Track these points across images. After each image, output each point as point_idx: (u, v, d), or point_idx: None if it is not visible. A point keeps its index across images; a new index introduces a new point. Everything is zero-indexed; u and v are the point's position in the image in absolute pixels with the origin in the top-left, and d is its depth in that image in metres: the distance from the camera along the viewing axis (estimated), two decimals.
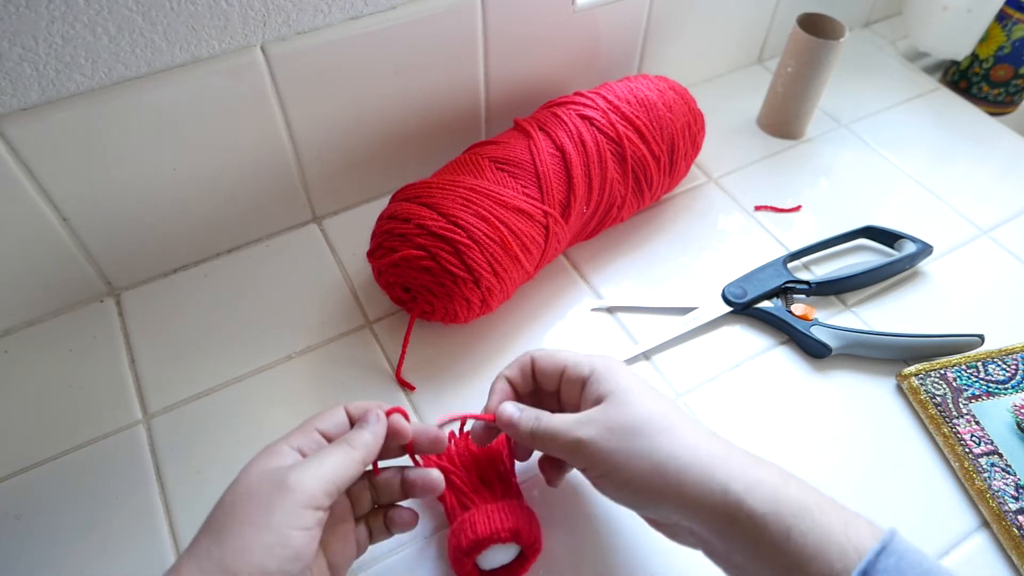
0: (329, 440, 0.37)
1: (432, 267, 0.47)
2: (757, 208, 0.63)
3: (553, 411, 0.41)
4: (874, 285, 0.57)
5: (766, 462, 0.35)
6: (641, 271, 0.58)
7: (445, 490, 0.42)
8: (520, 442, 0.40)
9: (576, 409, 0.39)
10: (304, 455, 0.35)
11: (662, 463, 0.34)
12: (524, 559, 0.40)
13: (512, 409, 0.40)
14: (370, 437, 0.37)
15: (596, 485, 0.38)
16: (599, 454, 0.36)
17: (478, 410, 0.48)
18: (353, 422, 0.38)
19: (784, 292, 0.56)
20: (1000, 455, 0.46)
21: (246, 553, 0.30)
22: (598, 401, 0.38)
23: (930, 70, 0.81)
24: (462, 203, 0.48)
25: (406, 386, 0.50)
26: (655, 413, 0.36)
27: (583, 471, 0.38)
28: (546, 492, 0.45)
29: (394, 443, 0.39)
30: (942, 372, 0.50)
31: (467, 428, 0.44)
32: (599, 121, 0.54)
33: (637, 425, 0.35)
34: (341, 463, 0.34)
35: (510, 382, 0.42)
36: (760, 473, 0.34)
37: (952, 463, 0.47)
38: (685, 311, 0.55)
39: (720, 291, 0.56)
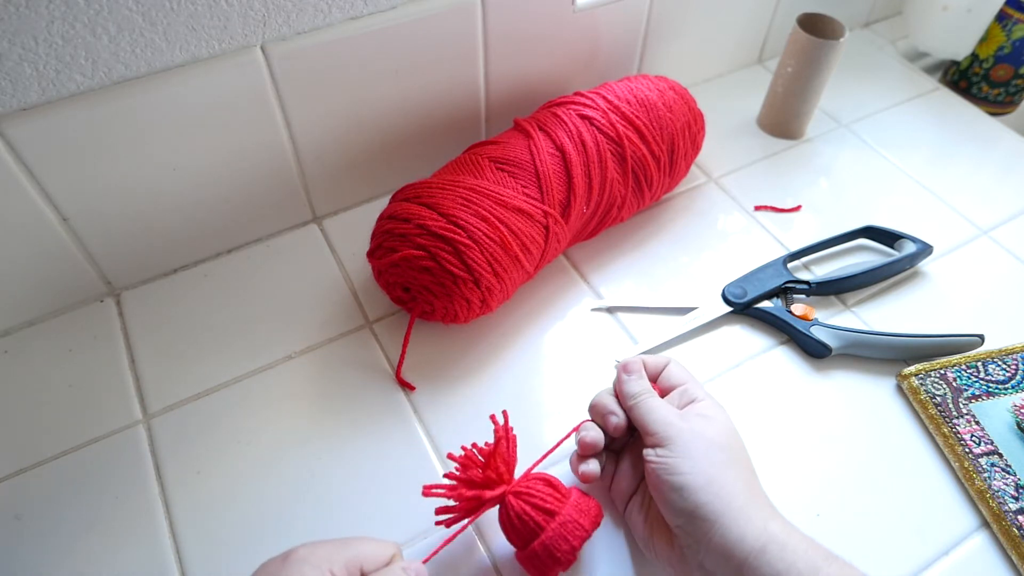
0: None
1: (432, 267, 0.47)
2: (757, 208, 0.63)
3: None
4: (874, 285, 0.57)
5: (795, 545, 0.35)
6: (641, 271, 0.58)
7: (518, 507, 0.39)
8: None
9: None
10: None
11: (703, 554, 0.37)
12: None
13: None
14: None
15: None
16: None
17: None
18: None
19: (784, 292, 0.56)
20: (1000, 455, 0.46)
21: None
22: None
23: (930, 70, 0.81)
24: (462, 203, 0.48)
25: (406, 386, 0.50)
26: (704, 505, 0.37)
27: None
28: None
29: None
30: (942, 372, 0.50)
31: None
32: (599, 121, 0.54)
33: (687, 514, 0.37)
34: None
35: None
36: (781, 567, 0.35)
37: (952, 463, 0.47)
38: (685, 311, 0.55)
39: (720, 291, 0.56)
